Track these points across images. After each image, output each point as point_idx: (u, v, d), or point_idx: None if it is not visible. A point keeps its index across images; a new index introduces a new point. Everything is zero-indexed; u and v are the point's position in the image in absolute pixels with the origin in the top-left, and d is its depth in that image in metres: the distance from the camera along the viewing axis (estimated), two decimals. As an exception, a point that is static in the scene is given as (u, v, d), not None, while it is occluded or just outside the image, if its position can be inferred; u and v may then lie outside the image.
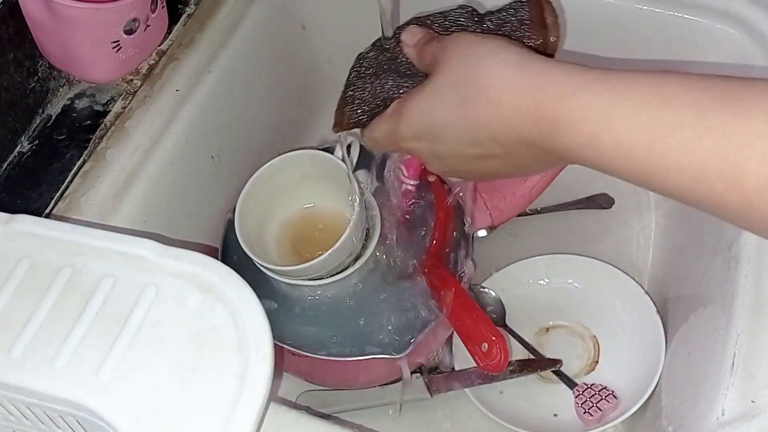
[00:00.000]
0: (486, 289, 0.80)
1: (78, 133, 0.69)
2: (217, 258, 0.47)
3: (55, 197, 0.65)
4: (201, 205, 0.75)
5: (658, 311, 0.73)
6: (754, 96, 0.34)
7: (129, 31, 0.69)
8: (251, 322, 0.44)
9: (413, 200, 0.73)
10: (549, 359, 0.76)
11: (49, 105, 0.71)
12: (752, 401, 0.51)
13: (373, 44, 0.58)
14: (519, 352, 0.77)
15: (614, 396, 0.71)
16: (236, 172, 0.79)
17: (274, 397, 0.45)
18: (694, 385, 0.59)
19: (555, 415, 0.73)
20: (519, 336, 0.78)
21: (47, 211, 0.64)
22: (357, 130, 0.58)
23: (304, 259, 0.63)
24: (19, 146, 0.68)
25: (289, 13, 0.87)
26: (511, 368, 0.74)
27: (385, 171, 0.72)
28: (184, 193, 0.72)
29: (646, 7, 0.75)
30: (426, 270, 0.69)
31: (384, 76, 0.54)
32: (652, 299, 0.75)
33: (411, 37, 0.53)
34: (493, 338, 0.61)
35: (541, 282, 0.81)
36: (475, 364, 0.63)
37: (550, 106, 0.39)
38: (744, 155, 0.33)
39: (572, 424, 0.72)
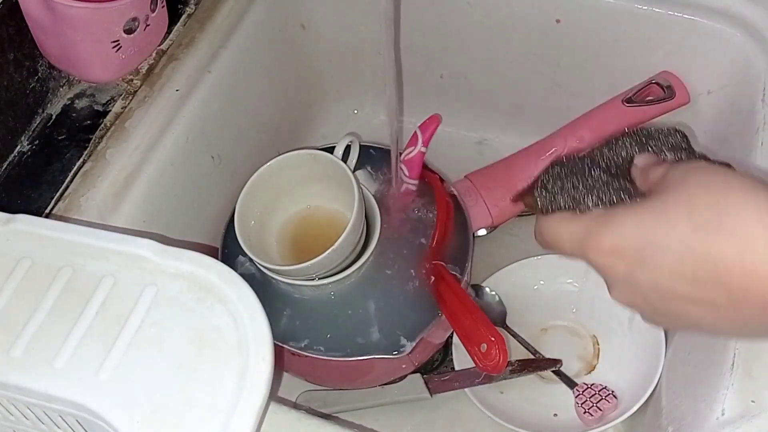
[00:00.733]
0: (486, 289, 0.80)
1: (78, 133, 0.69)
2: (217, 258, 0.47)
3: (55, 197, 0.65)
4: (201, 205, 0.75)
5: (658, 311, 0.73)
6: None
7: (129, 31, 0.69)
8: (251, 322, 0.44)
9: (413, 200, 0.73)
10: (549, 359, 0.76)
11: (49, 105, 0.71)
12: (752, 401, 0.51)
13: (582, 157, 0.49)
14: (519, 352, 0.77)
15: (614, 396, 0.71)
16: (236, 172, 0.79)
17: (274, 397, 0.45)
18: (694, 385, 0.59)
19: (555, 414, 0.73)
20: (519, 336, 0.78)
21: (47, 211, 0.64)
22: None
23: (303, 259, 0.63)
24: (19, 146, 0.68)
25: (289, 13, 0.87)
26: (511, 368, 0.74)
27: (386, 171, 0.73)
28: (184, 193, 0.72)
29: (646, 7, 0.76)
30: (426, 270, 0.69)
31: (603, 175, 0.45)
32: (652, 299, 0.75)
33: (643, 160, 0.46)
34: (492, 339, 0.61)
35: (541, 282, 0.81)
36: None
37: None
38: None
39: (572, 424, 0.72)
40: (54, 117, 0.71)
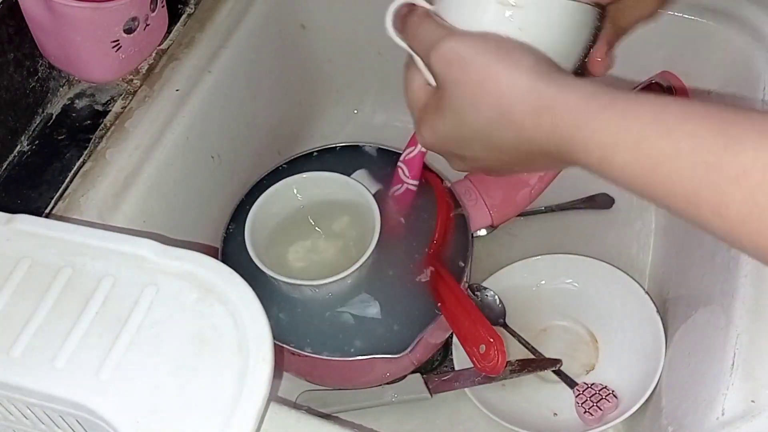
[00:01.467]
0: (486, 289, 0.80)
1: (78, 132, 0.69)
2: (217, 258, 0.47)
3: (55, 197, 0.65)
4: (201, 205, 0.75)
5: (658, 311, 0.73)
6: (746, 130, 0.37)
7: (128, 31, 0.69)
8: (251, 322, 0.44)
9: (413, 200, 0.73)
10: (549, 359, 0.76)
11: (49, 105, 0.71)
12: (752, 401, 0.51)
13: None
14: (519, 352, 0.77)
15: (614, 396, 0.71)
16: (236, 172, 0.79)
17: (274, 397, 0.45)
18: (694, 385, 0.59)
19: (555, 414, 0.73)
20: (519, 336, 0.78)
21: (47, 211, 0.64)
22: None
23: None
24: (19, 146, 0.68)
25: (289, 12, 0.87)
26: (510, 368, 0.74)
27: (386, 171, 0.72)
28: (184, 193, 0.72)
29: (646, 7, 0.75)
30: (425, 270, 0.69)
31: None
32: (652, 299, 0.75)
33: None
34: (491, 340, 0.61)
35: (541, 282, 0.81)
36: (474, 365, 0.64)
37: (566, 133, 0.43)
38: (731, 187, 0.37)
39: (572, 424, 0.72)
40: (54, 117, 0.71)
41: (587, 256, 0.80)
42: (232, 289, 0.45)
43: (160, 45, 0.75)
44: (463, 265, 0.69)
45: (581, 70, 0.53)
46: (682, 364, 0.65)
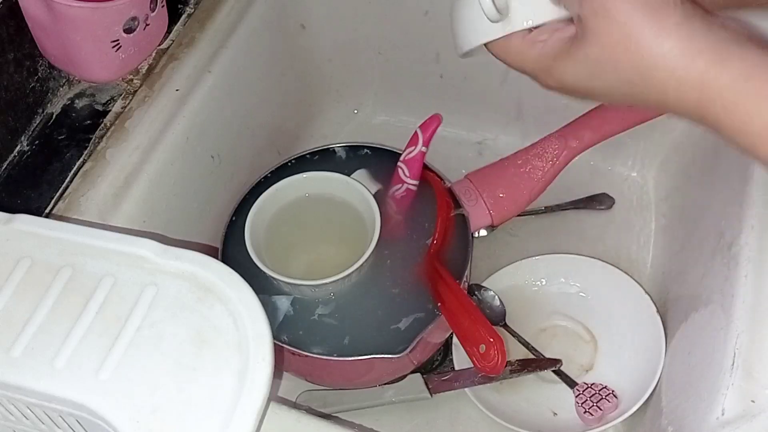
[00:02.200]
0: (486, 289, 0.80)
1: (78, 132, 0.69)
2: (217, 258, 0.47)
3: (55, 197, 0.65)
4: (201, 205, 0.75)
5: (658, 311, 0.73)
6: None
7: (128, 30, 0.69)
8: (251, 322, 0.44)
9: (413, 200, 0.73)
10: (549, 359, 0.76)
11: (49, 105, 0.71)
12: (752, 401, 0.51)
13: None
14: (519, 352, 0.77)
15: (614, 395, 0.71)
16: (236, 172, 0.79)
17: (274, 397, 0.45)
18: (694, 385, 0.59)
19: (555, 414, 0.73)
20: (519, 336, 0.78)
21: (47, 211, 0.64)
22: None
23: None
24: (19, 146, 0.68)
25: (289, 12, 0.87)
26: (510, 368, 0.74)
27: (386, 171, 0.73)
28: (184, 193, 0.72)
29: (646, 7, 0.75)
30: (425, 270, 0.69)
31: None
32: (652, 299, 0.75)
33: None
34: (491, 340, 0.61)
35: (541, 282, 0.81)
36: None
37: (712, 114, 0.41)
38: None
39: (572, 424, 0.72)
40: (54, 117, 0.71)
41: (587, 256, 0.80)
42: (232, 289, 0.45)
43: (160, 45, 0.75)
44: (463, 265, 0.69)
45: None
46: (682, 364, 0.65)
